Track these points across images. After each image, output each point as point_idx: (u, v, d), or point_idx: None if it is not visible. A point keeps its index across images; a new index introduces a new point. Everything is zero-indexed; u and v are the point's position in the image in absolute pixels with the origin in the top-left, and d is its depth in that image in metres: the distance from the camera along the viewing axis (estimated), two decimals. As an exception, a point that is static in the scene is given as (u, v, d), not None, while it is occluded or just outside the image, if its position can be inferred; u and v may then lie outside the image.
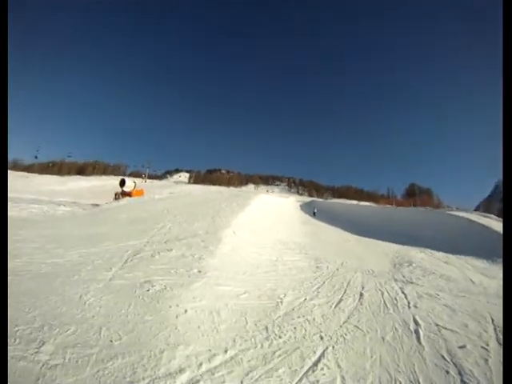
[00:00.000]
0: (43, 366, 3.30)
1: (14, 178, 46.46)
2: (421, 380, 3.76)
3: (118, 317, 4.79)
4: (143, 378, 3.32)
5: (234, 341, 4.54)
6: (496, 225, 14.84)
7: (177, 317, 4.98)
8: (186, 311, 5.21)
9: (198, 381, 3.44)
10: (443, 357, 4.34)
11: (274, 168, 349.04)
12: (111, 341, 4.03)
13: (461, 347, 4.64)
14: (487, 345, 4.75)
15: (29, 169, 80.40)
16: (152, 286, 6.08)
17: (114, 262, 7.46)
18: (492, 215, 18.08)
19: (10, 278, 5.78)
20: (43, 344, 3.72)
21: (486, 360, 4.28)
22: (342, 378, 3.72)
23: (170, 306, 5.31)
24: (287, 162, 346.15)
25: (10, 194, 19.15)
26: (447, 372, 3.97)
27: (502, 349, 4.13)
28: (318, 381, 3.63)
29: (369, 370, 3.93)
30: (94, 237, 10.21)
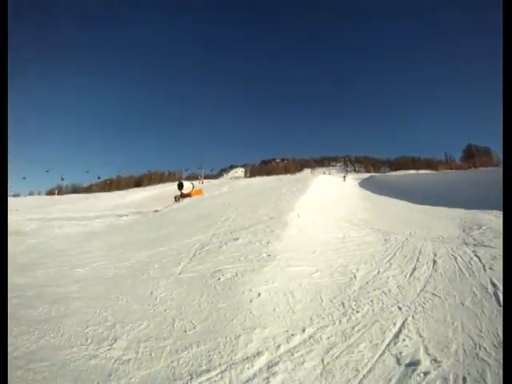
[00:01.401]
0: (116, 361, 3.42)
1: (76, 200, 48.62)
2: (506, 343, 3.65)
3: (191, 307, 4.94)
4: (220, 365, 3.35)
5: (311, 319, 4.58)
6: None
7: (251, 301, 5.08)
8: (259, 295, 5.31)
9: (277, 363, 3.47)
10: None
11: (328, 150, 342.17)
12: (185, 331, 4.14)
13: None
14: None
15: (88, 190, 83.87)
16: (222, 275, 6.22)
17: (181, 258, 7.70)
18: None
19: (74, 287, 6.25)
20: (115, 341, 3.87)
21: None
22: (425, 347, 3.69)
23: (243, 292, 5.43)
24: (341, 141, 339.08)
25: (73, 214, 20.16)
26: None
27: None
28: (400, 353, 3.62)
29: (451, 337, 3.87)
30: (158, 238, 10.57)
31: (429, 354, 3.53)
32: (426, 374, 3.18)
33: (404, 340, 3.90)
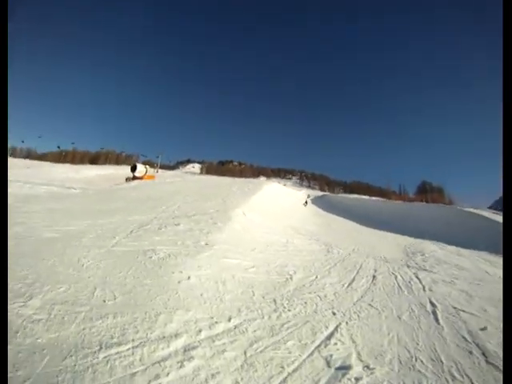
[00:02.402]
0: (25, 319, 3.18)
1: (25, 167, 46.59)
2: (443, 358, 3.43)
3: (116, 279, 4.64)
4: (133, 340, 3.13)
5: (239, 310, 4.31)
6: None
7: (179, 282, 4.81)
8: (189, 278, 5.03)
9: (195, 347, 3.19)
10: (465, 338, 4.02)
11: (285, 161, 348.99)
12: (104, 301, 3.90)
13: (482, 329, 4.32)
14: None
15: (42, 158, 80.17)
16: (155, 254, 5.92)
17: (118, 232, 7.31)
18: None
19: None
20: (30, 299, 3.62)
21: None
22: (358, 353, 3.41)
23: (173, 272, 5.14)
24: (299, 156, 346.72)
25: (20, 179, 19.14)
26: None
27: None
28: (331, 355, 3.33)
29: (386, 347, 3.62)
30: (101, 211, 10.08)
31: (361, 361, 3.24)
32: (357, 379, 2.89)
33: (336, 344, 3.60)
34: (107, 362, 2.72)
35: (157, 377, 2.63)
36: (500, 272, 8.00)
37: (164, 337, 3.27)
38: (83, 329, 3.17)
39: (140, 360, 2.82)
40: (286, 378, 2.85)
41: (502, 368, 3.26)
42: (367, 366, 3.13)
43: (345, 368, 3.07)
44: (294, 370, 2.98)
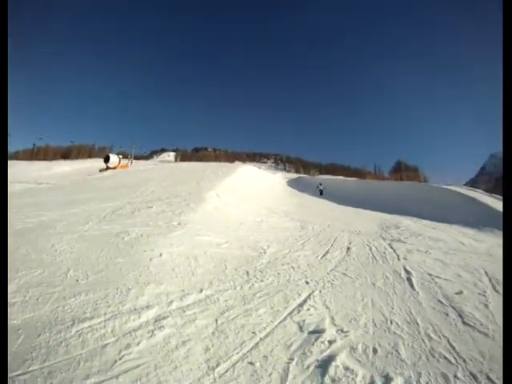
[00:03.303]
0: None
1: None
2: (419, 321, 3.37)
3: (89, 260, 4.62)
4: (105, 314, 3.12)
5: (211, 283, 4.25)
6: (482, 197, 14.65)
7: (150, 259, 4.75)
8: (160, 255, 4.97)
9: (166, 317, 3.16)
10: (440, 301, 3.97)
11: (261, 146, 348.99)
12: (77, 280, 3.89)
13: (457, 293, 4.28)
14: (484, 292, 4.40)
15: (14, 157, 77.93)
16: (128, 235, 5.87)
17: (91, 219, 7.19)
18: (478, 190, 17.86)
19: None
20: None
21: (486, 305, 3.91)
22: (332, 318, 3.34)
23: (145, 250, 5.09)
24: (274, 139, 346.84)
25: None
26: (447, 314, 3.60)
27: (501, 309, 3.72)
28: (303, 321, 3.26)
29: (361, 312, 3.55)
30: (74, 201, 9.86)
31: (335, 325, 3.16)
32: (331, 342, 2.80)
33: (309, 309, 3.54)
34: (79, 335, 2.73)
35: (128, 346, 2.63)
36: (476, 243, 8.08)
37: (135, 309, 3.27)
38: (57, 307, 3.17)
39: (111, 332, 2.83)
40: (257, 343, 2.78)
41: (478, 328, 3.24)
42: (341, 330, 3.06)
43: (318, 332, 3.00)
44: (266, 336, 2.92)
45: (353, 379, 2.28)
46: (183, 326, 3.00)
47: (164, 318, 3.13)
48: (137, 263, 4.52)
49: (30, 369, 2.25)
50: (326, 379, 2.28)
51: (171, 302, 3.50)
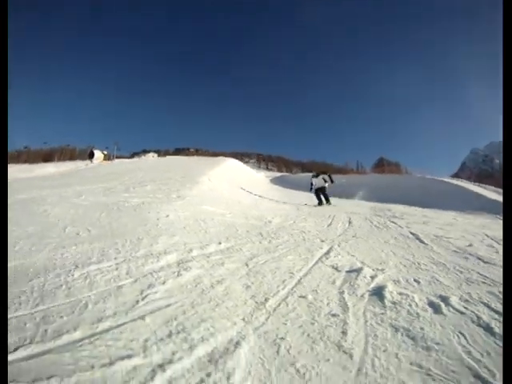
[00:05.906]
0: None
1: None
2: (443, 261, 3.43)
3: (88, 219, 4.64)
4: (115, 258, 3.05)
5: (227, 238, 4.23)
6: (467, 185, 15.08)
7: (158, 219, 4.74)
8: (167, 216, 4.98)
9: (190, 261, 3.11)
10: (456, 251, 4.03)
11: (242, 145, 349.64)
12: (78, 233, 3.90)
13: (468, 246, 4.38)
14: (492, 245, 4.49)
15: None
16: (127, 203, 5.88)
17: (83, 194, 7.18)
18: (462, 179, 18.13)
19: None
20: None
21: (497, 252, 3.97)
22: (362, 262, 3.34)
23: (149, 212, 5.11)
24: (256, 139, 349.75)
25: None
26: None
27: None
28: (336, 264, 3.25)
29: (385, 258, 3.57)
30: (64, 184, 9.79)
31: (368, 266, 3.14)
32: (372, 277, 2.79)
33: (336, 256, 3.55)
34: (85, 278, 2.54)
35: (151, 286, 2.41)
36: (470, 220, 8.20)
37: (152, 254, 3.22)
38: (54, 255, 3.07)
39: (127, 273, 2.67)
40: (299, 280, 2.75)
41: (500, 264, 3.33)
42: (376, 268, 3.06)
43: (355, 271, 2.99)
44: (305, 274, 2.89)
45: (412, 300, 2.26)
46: (212, 268, 2.93)
47: (188, 261, 3.08)
48: (144, 220, 4.51)
49: (15, 314, 1.89)
50: (387, 302, 2.24)
51: (191, 249, 3.47)
